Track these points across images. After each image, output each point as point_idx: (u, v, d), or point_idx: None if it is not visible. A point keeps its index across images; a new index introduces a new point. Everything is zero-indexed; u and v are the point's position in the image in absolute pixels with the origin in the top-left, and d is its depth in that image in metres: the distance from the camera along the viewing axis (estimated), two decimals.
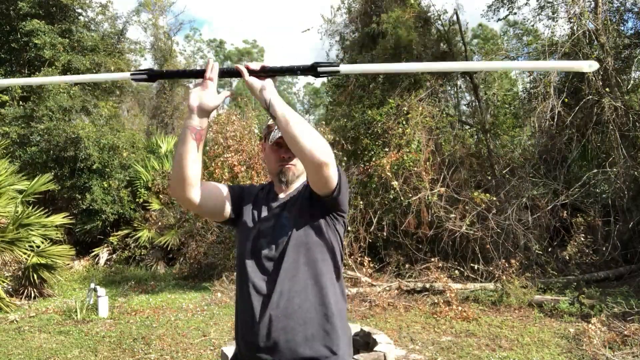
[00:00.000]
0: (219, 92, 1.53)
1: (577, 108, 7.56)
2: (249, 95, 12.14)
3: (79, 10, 12.34)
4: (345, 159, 8.27)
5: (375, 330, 4.06)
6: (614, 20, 8.08)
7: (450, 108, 10.16)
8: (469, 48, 10.98)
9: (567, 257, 7.05)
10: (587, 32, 7.53)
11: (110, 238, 11.00)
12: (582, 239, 7.03)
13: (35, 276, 7.26)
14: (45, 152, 10.27)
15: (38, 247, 7.42)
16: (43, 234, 7.54)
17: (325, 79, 11.53)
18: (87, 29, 12.42)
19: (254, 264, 1.62)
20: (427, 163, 7.63)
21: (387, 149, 7.75)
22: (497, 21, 11.11)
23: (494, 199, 7.30)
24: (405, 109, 8.02)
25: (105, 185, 10.72)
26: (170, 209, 10.79)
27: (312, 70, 1.52)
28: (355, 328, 3.98)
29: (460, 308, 5.82)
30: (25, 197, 7.96)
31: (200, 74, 1.52)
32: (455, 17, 9.38)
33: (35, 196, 8.18)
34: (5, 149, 9.21)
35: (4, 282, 6.98)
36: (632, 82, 7.99)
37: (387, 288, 6.80)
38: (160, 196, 10.94)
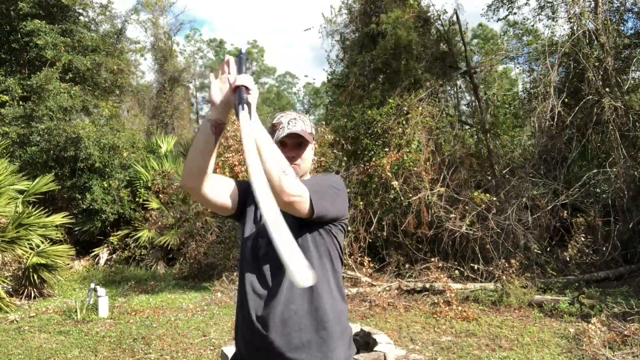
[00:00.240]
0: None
1: (577, 108, 7.56)
2: None
3: (80, 11, 12.35)
4: (345, 159, 8.27)
5: (375, 330, 4.06)
6: (614, 20, 8.08)
7: (450, 108, 10.16)
8: (469, 48, 10.97)
9: (567, 257, 7.05)
10: (587, 32, 7.53)
11: (110, 238, 10.99)
12: (582, 239, 7.03)
13: (35, 276, 7.26)
14: (45, 152, 10.26)
15: (38, 247, 7.42)
16: (43, 233, 7.54)
17: (325, 79, 11.57)
18: (87, 29, 12.43)
19: (252, 264, 1.62)
20: (427, 163, 7.63)
21: (387, 149, 7.75)
22: (497, 21, 11.14)
23: (494, 199, 7.30)
24: (405, 109, 8.02)
25: (105, 185, 10.72)
26: (170, 209, 10.80)
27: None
28: (355, 328, 3.98)
29: (460, 308, 5.81)
30: (27, 198, 7.97)
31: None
32: (455, 17, 9.38)
33: (36, 196, 8.18)
34: (5, 148, 9.22)
35: (4, 282, 6.98)
36: (632, 82, 7.98)
37: (387, 288, 6.80)
38: (160, 196, 10.94)
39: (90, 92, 11.84)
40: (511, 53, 10.44)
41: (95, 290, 6.40)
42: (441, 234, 7.32)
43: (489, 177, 8.31)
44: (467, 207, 7.41)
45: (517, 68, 11.01)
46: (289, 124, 1.65)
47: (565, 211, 7.30)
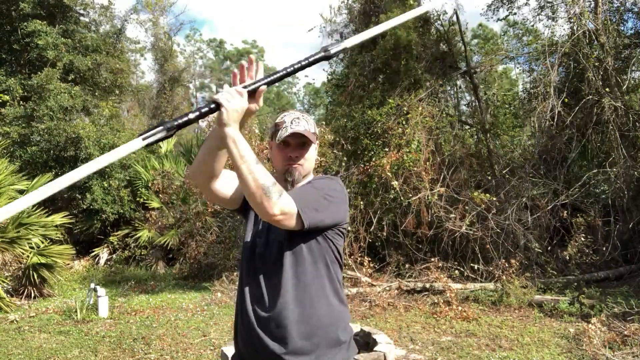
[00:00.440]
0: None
1: (577, 108, 7.55)
2: None
3: (81, 11, 12.36)
4: (345, 159, 8.27)
5: (375, 330, 4.06)
6: (614, 20, 8.08)
7: (450, 108, 10.15)
8: (469, 48, 10.96)
9: (567, 257, 7.05)
10: (587, 32, 7.53)
11: (110, 238, 10.99)
12: (582, 239, 7.04)
13: (35, 276, 7.26)
14: (45, 152, 10.27)
15: (38, 246, 7.43)
16: (43, 233, 7.54)
17: (325, 79, 11.57)
18: (88, 30, 12.44)
19: (251, 263, 1.63)
20: (427, 163, 7.63)
21: (387, 149, 7.75)
22: (497, 21, 11.13)
23: (494, 199, 7.30)
24: (405, 109, 8.02)
25: (106, 185, 10.72)
26: (170, 209, 10.79)
27: (323, 56, 1.49)
28: (355, 328, 3.98)
29: (460, 308, 5.82)
30: None
31: (212, 111, 1.38)
32: (455, 17, 9.38)
33: None
34: (5, 148, 9.22)
35: (4, 282, 6.98)
36: (632, 82, 7.99)
37: (387, 288, 6.80)
38: (160, 196, 10.93)
39: (90, 92, 11.85)
40: (511, 53, 10.43)
41: (95, 290, 6.40)
42: (441, 234, 7.32)
43: (489, 177, 8.31)
44: (467, 207, 7.42)
45: (517, 68, 11.00)
46: (292, 123, 1.64)
47: (565, 211, 7.31)
